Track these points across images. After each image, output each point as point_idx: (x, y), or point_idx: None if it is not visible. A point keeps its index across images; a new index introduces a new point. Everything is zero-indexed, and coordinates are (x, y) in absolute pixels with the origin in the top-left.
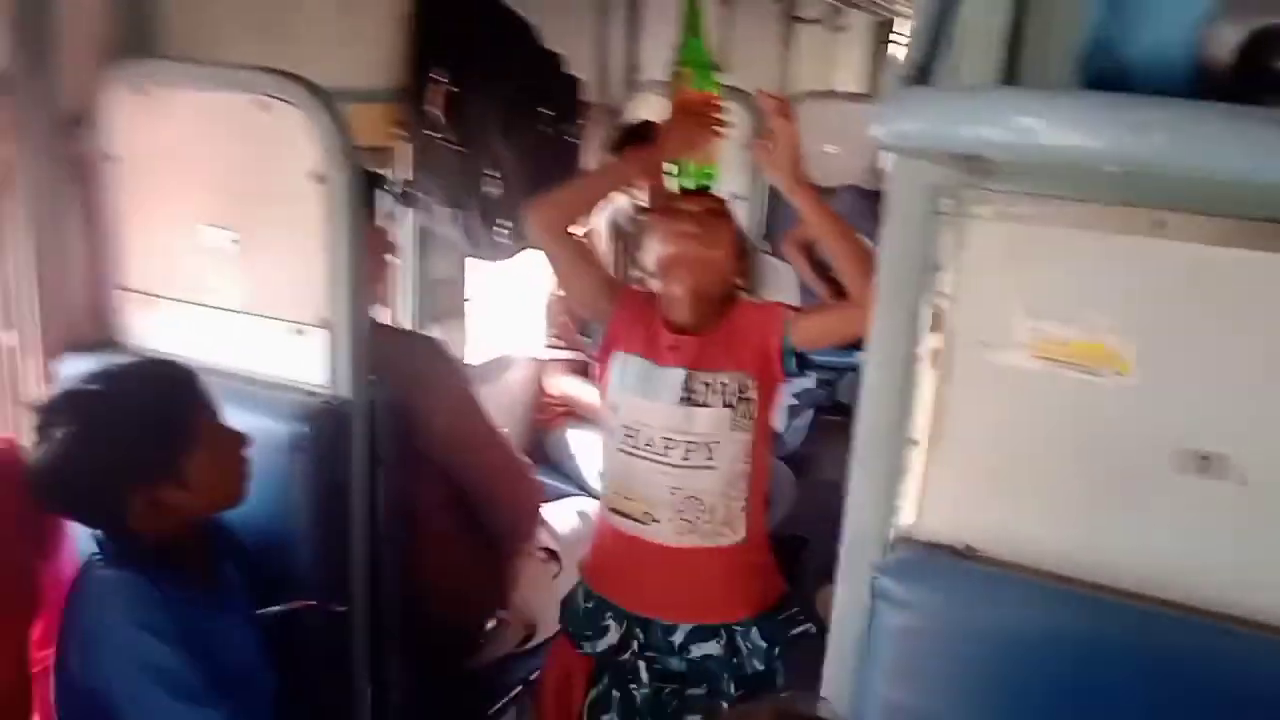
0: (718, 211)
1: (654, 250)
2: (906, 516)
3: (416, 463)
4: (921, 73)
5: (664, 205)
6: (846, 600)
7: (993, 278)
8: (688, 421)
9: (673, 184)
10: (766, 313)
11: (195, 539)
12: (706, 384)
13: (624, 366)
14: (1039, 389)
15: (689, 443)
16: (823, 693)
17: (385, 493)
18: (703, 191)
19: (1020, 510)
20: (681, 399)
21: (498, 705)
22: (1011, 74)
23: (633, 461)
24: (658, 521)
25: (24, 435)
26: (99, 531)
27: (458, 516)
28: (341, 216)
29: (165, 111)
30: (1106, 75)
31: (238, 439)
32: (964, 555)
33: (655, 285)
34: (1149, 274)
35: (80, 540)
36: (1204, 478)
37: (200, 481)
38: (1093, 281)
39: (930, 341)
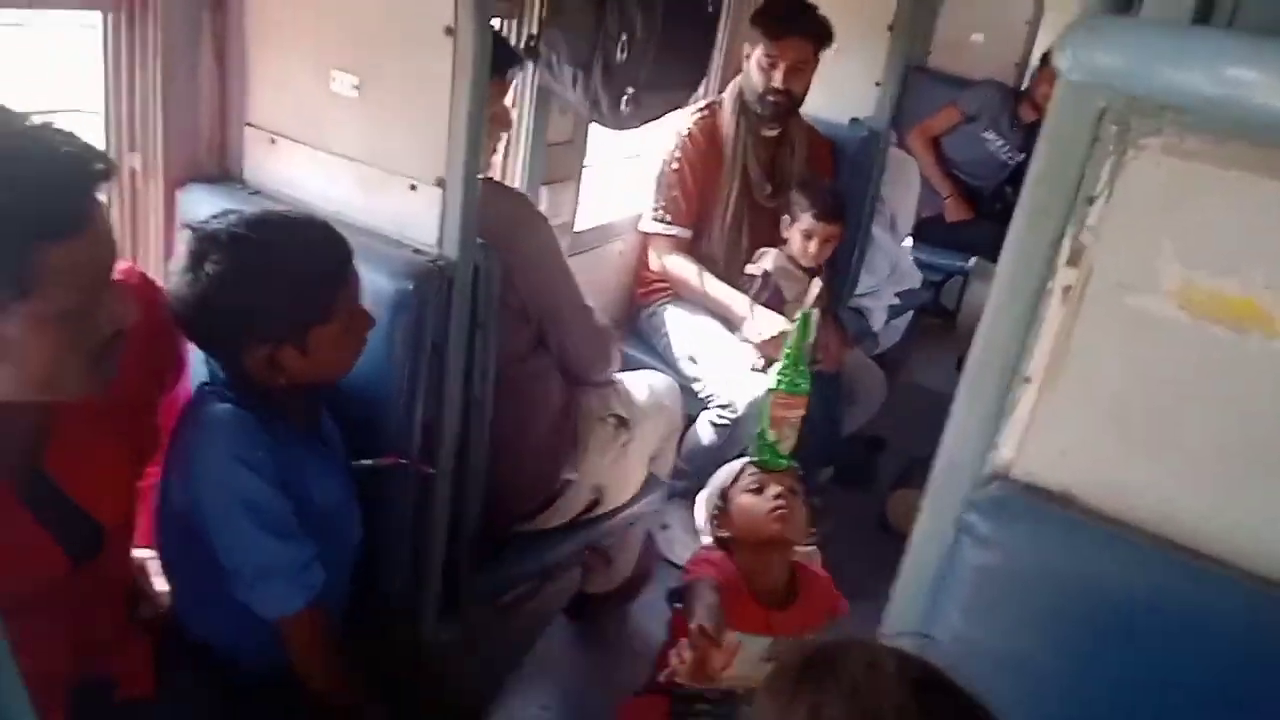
0: (795, 489)
1: (747, 527)
2: (1005, 453)
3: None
4: None
5: (751, 484)
6: (929, 528)
7: (1147, 217)
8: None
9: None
10: (829, 599)
11: (301, 390)
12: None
13: None
14: (1176, 340)
15: None
16: (889, 611)
17: (481, 357)
18: (782, 470)
19: (1131, 464)
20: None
21: (561, 566)
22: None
23: None
24: None
25: (141, 256)
26: (215, 361)
27: (535, 372)
28: (467, 74)
29: None
30: None
31: (366, 323)
32: (1061, 501)
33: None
34: None
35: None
36: None
37: (319, 355)
38: (1257, 233)
39: (1064, 277)
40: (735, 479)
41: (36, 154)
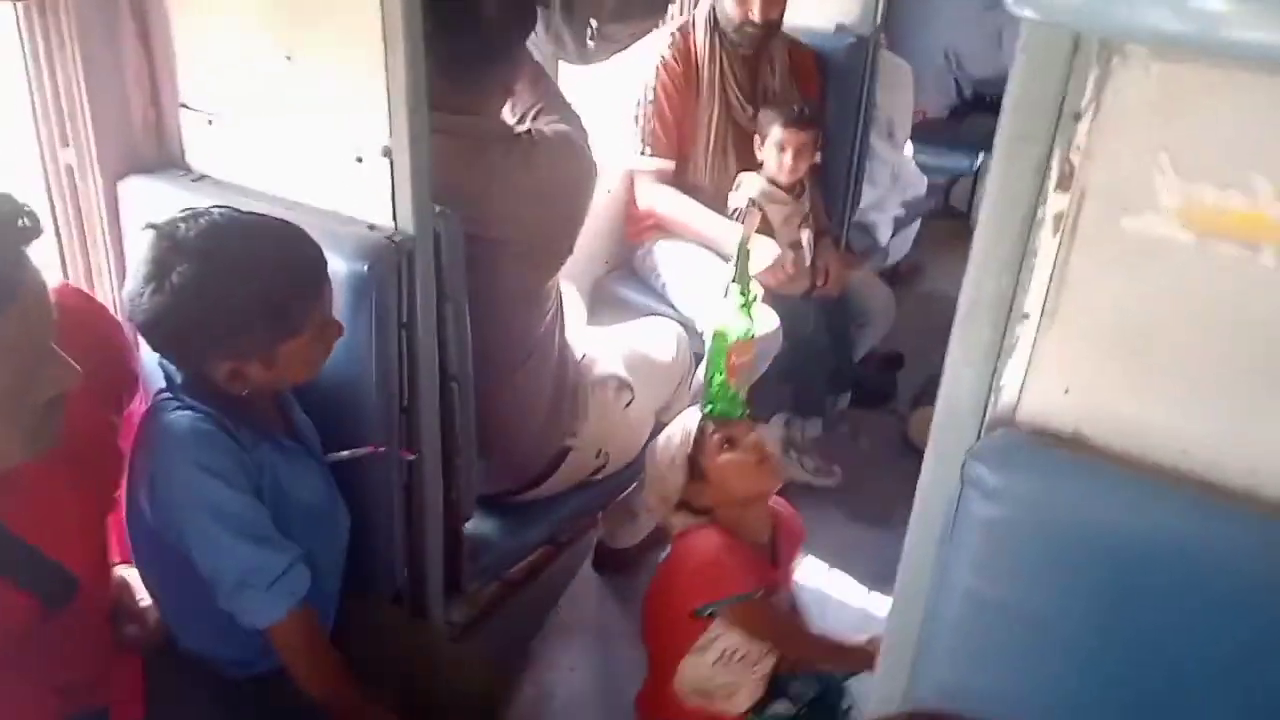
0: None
1: (737, 488)
2: (1008, 396)
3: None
4: None
5: (722, 441)
6: (934, 481)
7: (1141, 130)
8: None
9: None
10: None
11: (265, 394)
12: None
13: None
14: (1183, 263)
15: None
16: (901, 569)
17: (454, 331)
18: (740, 418)
19: (1142, 398)
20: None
21: (575, 528)
22: None
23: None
24: None
25: (88, 257)
26: (174, 367)
27: (526, 345)
28: (400, 33)
29: None
30: None
31: (336, 331)
32: (1070, 443)
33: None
34: None
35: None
36: None
37: (287, 366)
38: (1263, 138)
39: (1056, 203)
40: (699, 443)
41: None
